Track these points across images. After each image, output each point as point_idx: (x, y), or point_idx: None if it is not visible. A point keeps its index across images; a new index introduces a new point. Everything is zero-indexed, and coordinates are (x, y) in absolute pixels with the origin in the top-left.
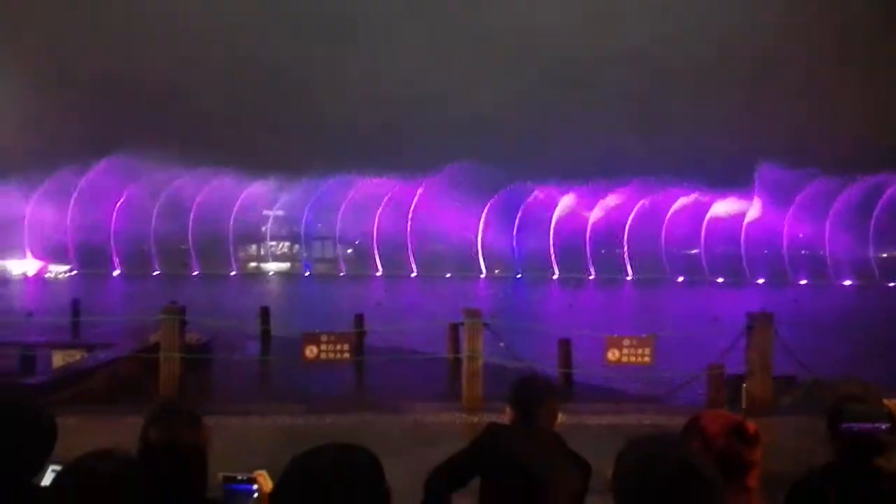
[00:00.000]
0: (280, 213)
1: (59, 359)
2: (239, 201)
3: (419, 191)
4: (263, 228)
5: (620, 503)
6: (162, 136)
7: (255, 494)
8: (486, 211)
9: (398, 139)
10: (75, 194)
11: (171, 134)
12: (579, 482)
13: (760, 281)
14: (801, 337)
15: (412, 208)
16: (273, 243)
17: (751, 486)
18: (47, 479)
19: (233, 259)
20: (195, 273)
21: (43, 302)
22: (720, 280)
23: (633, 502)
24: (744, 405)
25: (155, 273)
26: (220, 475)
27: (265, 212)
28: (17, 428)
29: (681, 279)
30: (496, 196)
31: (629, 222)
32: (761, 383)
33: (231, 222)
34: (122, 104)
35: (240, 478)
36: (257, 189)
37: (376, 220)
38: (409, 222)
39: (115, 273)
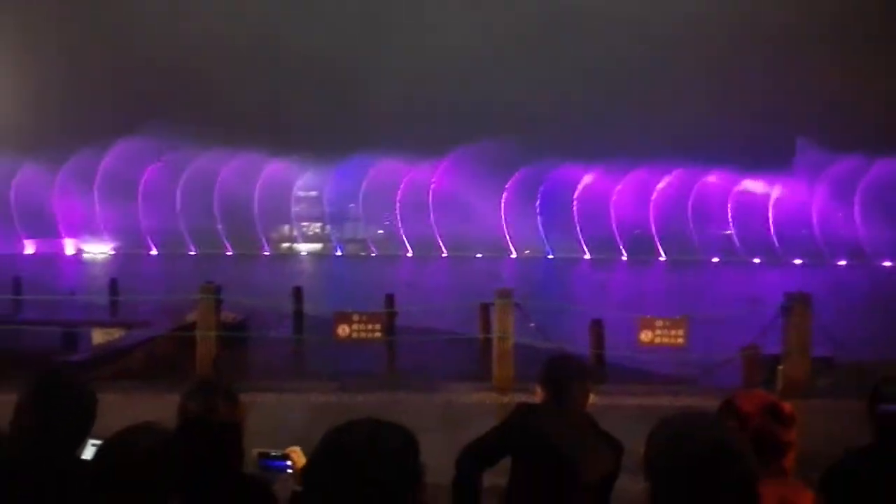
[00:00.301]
0: (312, 194)
1: (99, 336)
2: (267, 183)
3: (441, 170)
4: (295, 209)
5: (652, 481)
6: (191, 120)
7: (289, 470)
8: (508, 191)
9: (425, 119)
10: (99, 176)
11: (198, 118)
12: (611, 462)
13: (797, 261)
14: (839, 318)
15: (432, 188)
16: (305, 224)
17: (787, 467)
18: (88, 453)
19: (263, 239)
20: (229, 253)
21: (83, 281)
22: (756, 260)
23: (665, 480)
24: (780, 387)
25: (190, 253)
26: (255, 451)
27: (297, 193)
28: (60, 403)
29: (715, 259)
30: (521, 175)
31: (653, 202)
32: (798, 365)
33: (263, 204)
34: (149, 87)
35: (274, 454)
36: (289, 171)
37: (398, 201)
38: (436, 203)
39: (152, 253)
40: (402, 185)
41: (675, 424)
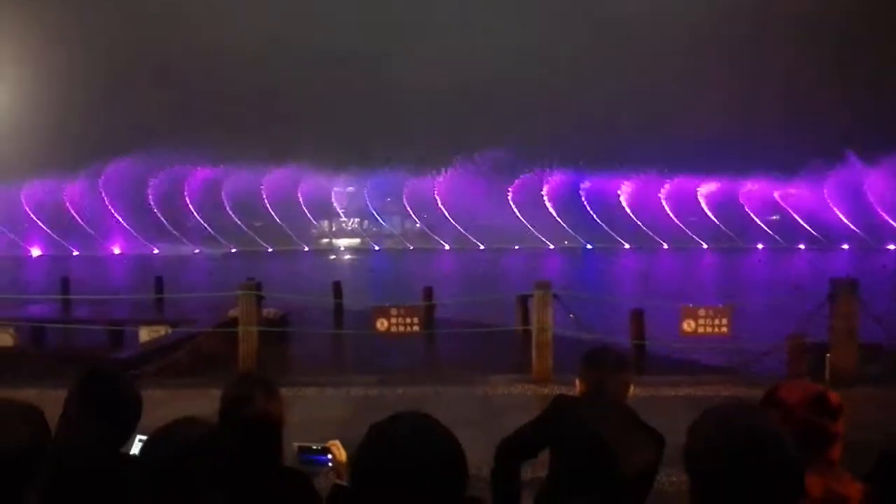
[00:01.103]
0: (350, 189)
1: (144, 334)
2: (273, 178)
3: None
4: (334, 205)
5: (693, 474)
6: (207, 127)
7: (330, 464)
8: (515, 191)
9: (441, 119)
10: (108, 182)
11: (212, 124)
12: (652, 455)
13: (844, 247)
14: (889, 304)
15: (437, 192)
16: (344, 220)
17: (833, 458)
18: (135, 448)
19: (294, 236)
20: (269, 250)
21: (130, 280)
22: (801, 247)
23: (707, 472)
24: (827, 376)
25: (232, 251)
26: (296, 445)
27: (335, 189)
28: (106, 401)
29: (760, 246)
30: (547, 178)
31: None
32: (846, 353)
33: (296, 203)
34: (174, 90)
35: (314, 448)
36: (325, 168)
37: (406, 202)
38: (471, 199)
39: (195, 252)
40: (407, 188)
41: (716, 416)
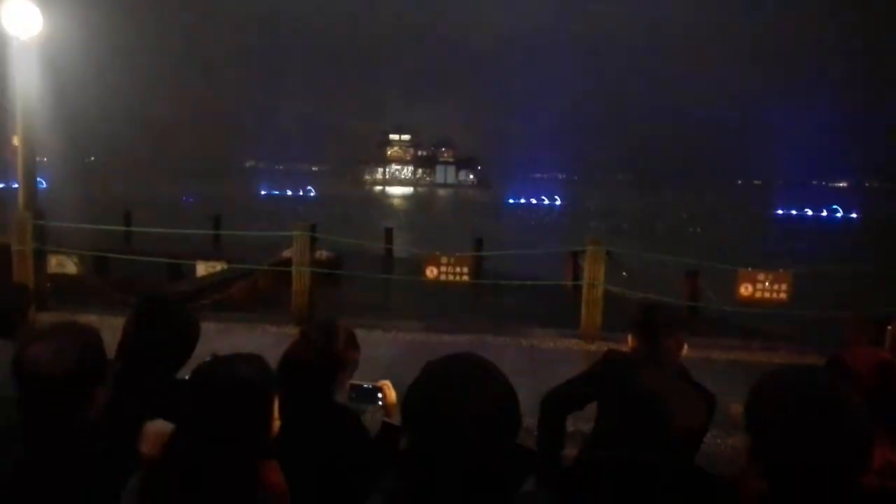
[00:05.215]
0: (405, 137)
1: (202, 269)
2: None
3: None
4: (388, 152)
5: (755, 435)
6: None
7: (380, 402)
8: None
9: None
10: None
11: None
12: (702, 414)
13: None
14: None
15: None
16: (397, 167)
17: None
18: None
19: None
20: (312, 194)
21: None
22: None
23: (771, 433)
24: (887, 348)
25: (287, 194)
26: (348, 383)
27: (390, 136)
28: (163, 326)
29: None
30: None
31: None
32: None
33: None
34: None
35: (366, 386)
36: (382, 113)
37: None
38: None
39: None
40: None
41: (785, 376)
